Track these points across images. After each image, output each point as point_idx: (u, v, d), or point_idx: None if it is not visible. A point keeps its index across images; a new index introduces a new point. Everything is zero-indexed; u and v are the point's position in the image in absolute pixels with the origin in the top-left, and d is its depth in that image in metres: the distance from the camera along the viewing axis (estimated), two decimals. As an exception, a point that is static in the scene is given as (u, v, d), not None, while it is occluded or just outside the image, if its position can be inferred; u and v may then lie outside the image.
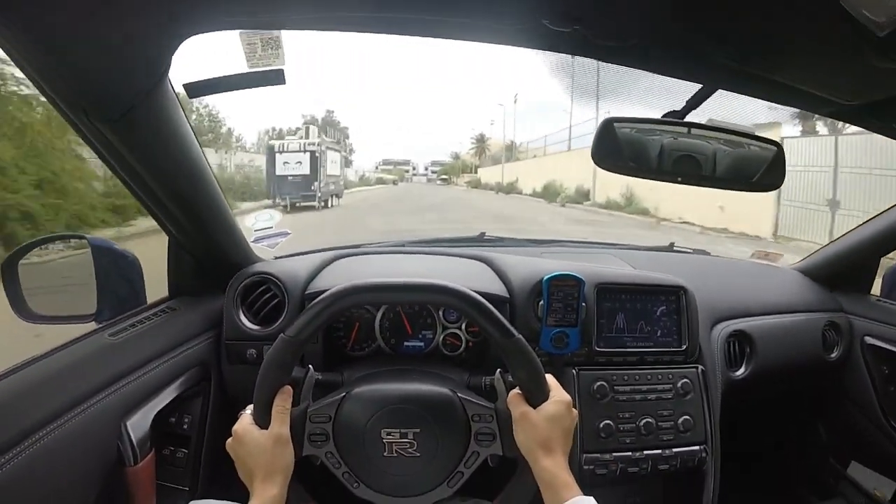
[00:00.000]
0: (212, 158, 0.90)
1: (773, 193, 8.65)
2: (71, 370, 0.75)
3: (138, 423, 0.80)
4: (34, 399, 0.68)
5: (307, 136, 15.76)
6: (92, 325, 0.90)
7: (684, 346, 1.11)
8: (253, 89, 0.73)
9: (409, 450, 0.73)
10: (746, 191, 0.79)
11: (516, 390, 0.73)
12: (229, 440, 0.71)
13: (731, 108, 0.78)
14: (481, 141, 46.68)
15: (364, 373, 0.89)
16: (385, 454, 0.73)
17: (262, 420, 0.70)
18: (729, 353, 1.25)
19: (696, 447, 1.06)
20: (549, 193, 18.54)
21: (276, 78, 0.72)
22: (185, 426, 0.96)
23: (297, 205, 13.62)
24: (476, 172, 41.88)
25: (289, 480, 0.69)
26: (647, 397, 1.06)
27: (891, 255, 1.43)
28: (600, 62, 0.70)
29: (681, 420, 1.06)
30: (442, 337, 1.14)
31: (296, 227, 1.36)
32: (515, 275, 1.13)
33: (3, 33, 0.52)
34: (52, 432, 0.66)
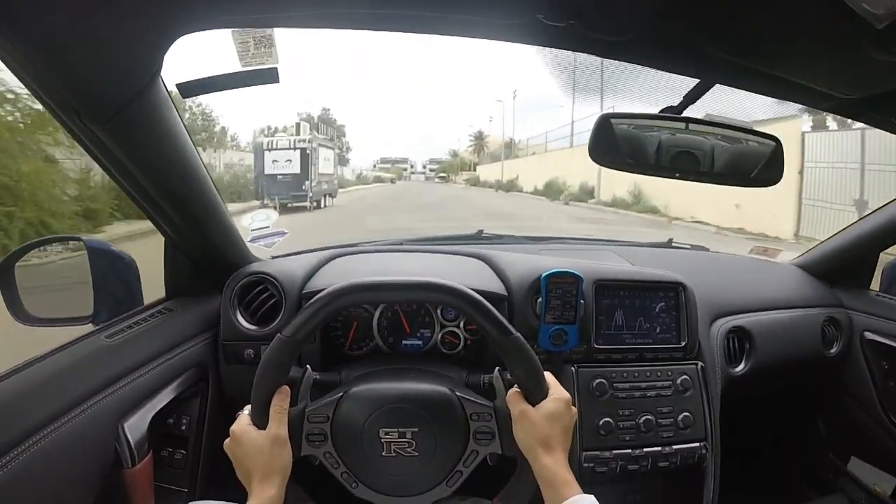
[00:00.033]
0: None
1: (794, 191, 8.28)
2: (68, 372, 0.75)
3: (136, 425, 0.80)
4: (31, 401, 0.67)
5: (298, 133, 15.18)
6: (89, 327, 0.90)
7: (683, 343, 1.11)
8: (247, 88, 0.73)
9: (408, 449, 0.72)
10: (745, 186, 0.79)
11: (515, 388, 0.73)
12: (227, 441, 0.71)
13: (729, 103, 0.77)
14: (480, 138, 46.67)
15: (362, 372, 0.89)
16: (384, 454, 0.72)
17: (260, 420, 0.70)
18: (728, 349, 1.25)
19: (696, 444, 1.06)
20: (552, 191, 18.02)
21: (269, 76, 0.72)
22: (183, 427, 0.96)
23: (288, 205, 12.76)
24: (475, 170, 41.85)
25: (287, 481, 0.69)
26: (646, 394, 1.06)
27: (890, 249, 1.43)
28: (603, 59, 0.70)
29: (680, 417, 1.05)
30: (440, 335, 1.13)
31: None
32: (513, 272, 1.12)
33: None
34: (49, 434, 0.66)
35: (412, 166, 62.71)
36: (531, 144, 29.10)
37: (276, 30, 0.69)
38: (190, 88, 0.72)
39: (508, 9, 0.58)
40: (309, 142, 14.14)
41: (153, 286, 1.06)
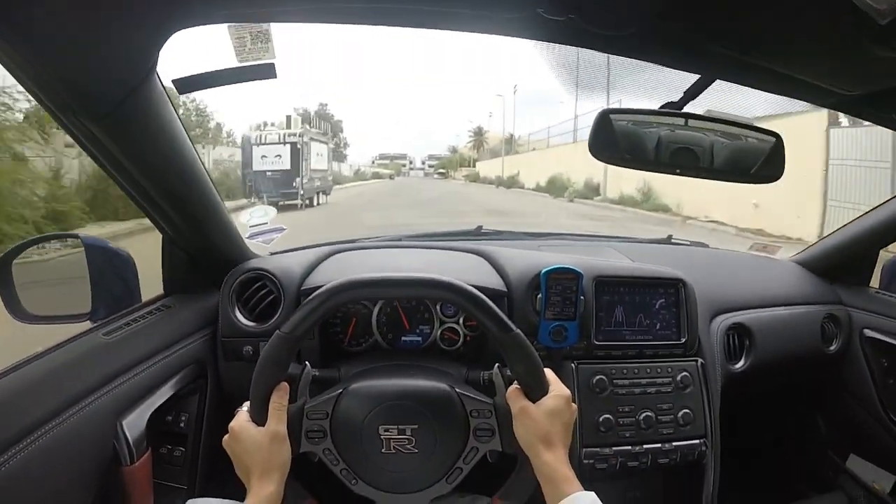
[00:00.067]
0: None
1: (819, 190, 7.71)
2: (66, 370, 0.74)
3: (134, 423, 0.80)
4: (29, 399, 0.67)
5: (289, 127, 13.87)
6: (87, 325, 0.89)
7: (683, 340, 1.11)
8: (244, 84, 0.72)
9: (408, 446, 0.72)
10: (745, 182, 0.78)
11: (515, 385, 0.73)
12: (226, 437, 0.71)
13: (733, 101, 0.77)
14: (479, 134, 46.54)
15: (361, 368, 0.89)
16: (383, 451, 0.72)
17: (259, 417, 0.70)
18: (728, 345, 1.25)
19: (696, 441, 1.06)
20: (555, 188, 17.37)
21: (266, 72, 0.71)
22: (182, 424, 0.96)
23: (279, 204, 11.47)
24: (474, 166, 41.76)
25: (286, 477, 0.69)
26: (646, 391, 1.06)
27: (890, 247, 1.42)
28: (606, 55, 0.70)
29: (680, 414, 1.05)
30: (439, 332, 1.13)
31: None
32: (513, 268, 1.12)
33: None
34: (47, 433, 0.66)
35: (411, 162, 62.57)
36: (532, 140, 28.82)
37: (272, 25, 0.69)
38: (186, 84, 0.72)
39: (508, 3, 0.58)
40: (299, 136, 13.15)
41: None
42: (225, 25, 0.66)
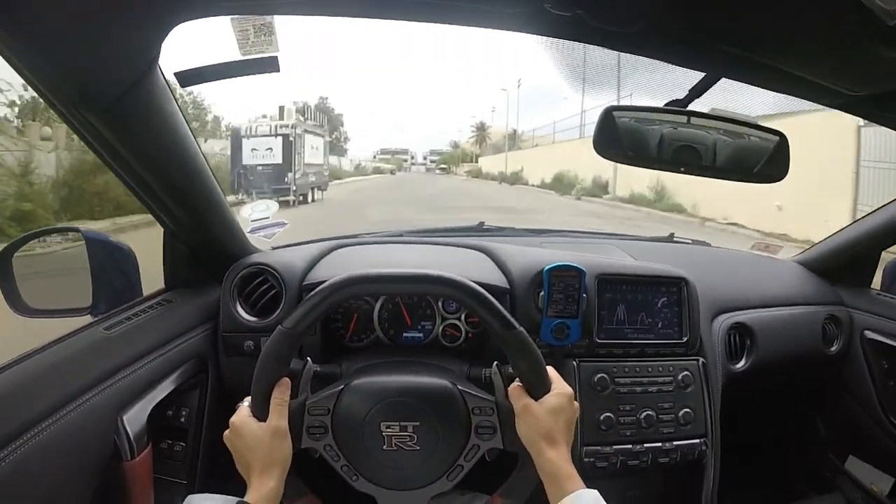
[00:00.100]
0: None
1: (849, 194, 7.16)
2: (67, 364, 0.74)
3: (135, 417, 0.80)
4: (30, 394, 0.67)
5: (282, 118, 13.01)
6: (87, 319, 0.89)
7: (685, 339, 1.11)
8: (246, 77, 0.72)
9: (409, 443, 0.72)
10: (747, 181, 0.78)
11: (517, 383, 0.73)
12: (227, 432, 0.71)
13: (737, 100, 0.76)
14: (482, 129, 46.42)
15: (363, 364, 0.89)
16: (384, 447, 0.72)
17: (261, 412, 0.70)
18: (729, 345, 1.25)
19: (697, 440, 1.06)
20: (561, 185, 17.09)
21: (269, 65, 0.71)
22: (183, 419, 0.96)
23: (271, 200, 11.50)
24: (476, 162, 41.67)
25: (287, 473, 0.69)
26: (647, 390, 1.06)
27: (892, 249, 1.42)
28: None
29: (681, 413, 1.05)
30: (441, 328, 1.13)
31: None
32: (515, 265, 1.12)
33: None
34: (48, 427, 0.66)
35: (412, 157, 62.48)
36: (536, 135, 28.57)
37: (276, 17, 0.68)
38: (188, 77, 0.71)
39: None
40: (292, 127, 12.30)
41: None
42: (228, 18, 0.65)
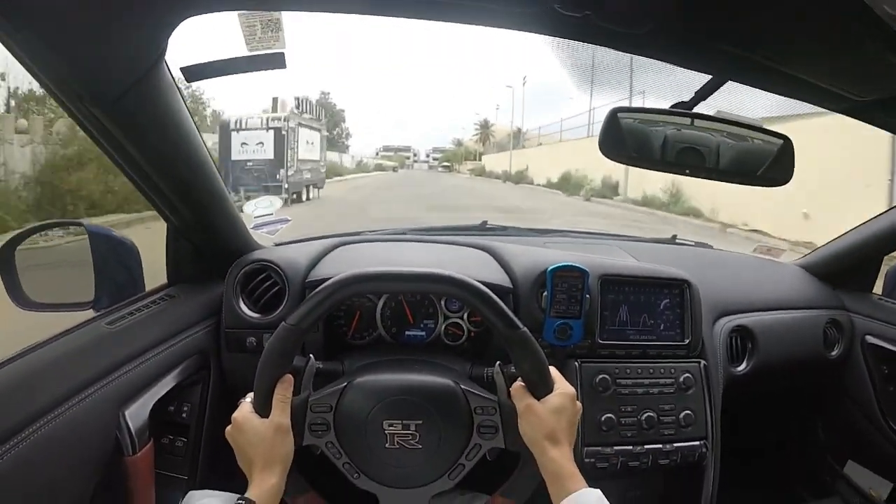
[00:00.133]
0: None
1: (884, 200, 6.48)
2: (69, 359, 0.74)
3: (137, 413, 0.80)
4: (32, 388, 0.67)
5: (275, 110, 12.05)
6: (90, 313, 0.89)
7: (687, 341, 1.11)
8: (251, 73, 0.72)
9: (411, 441, 0.72)
10: (750, 185, 0.78)
11: (520, 382, 0.73)
12: (229, 428, 0.71)
13: (742, 103, 0.76)
14: (485, 127, 46.31)
15: (365, 362, 0.89)
16: (387, 445, 0.72)
17: (263, 408, 0.70)
18: (730, 348, 1.25)
19: (697, 442, 1.06)
20: (569, 185, 16.31)
21: (276, 62, 0.71)
22: (185, 415, 0.96)
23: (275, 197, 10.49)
24: (480, 160, 41.56)
25: (288, 470, 0.69)
26: (649, 391, 1.06)
27: (894, 253, 1.42)
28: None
29: (682, 415, 1.05)
30: (444, 326, 1.13)
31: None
32: (518, 265, 1.12)
33: None
34: (50, 422, 0.66)
35: (415, 154, 62.48)
36: (542, 134, 28.21)
37: (283, 14, 0.68)
38: (194, 72, 0.71)
39: None
40: (285, 120, 11.34)
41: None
42: (235, 13, 0.65)
